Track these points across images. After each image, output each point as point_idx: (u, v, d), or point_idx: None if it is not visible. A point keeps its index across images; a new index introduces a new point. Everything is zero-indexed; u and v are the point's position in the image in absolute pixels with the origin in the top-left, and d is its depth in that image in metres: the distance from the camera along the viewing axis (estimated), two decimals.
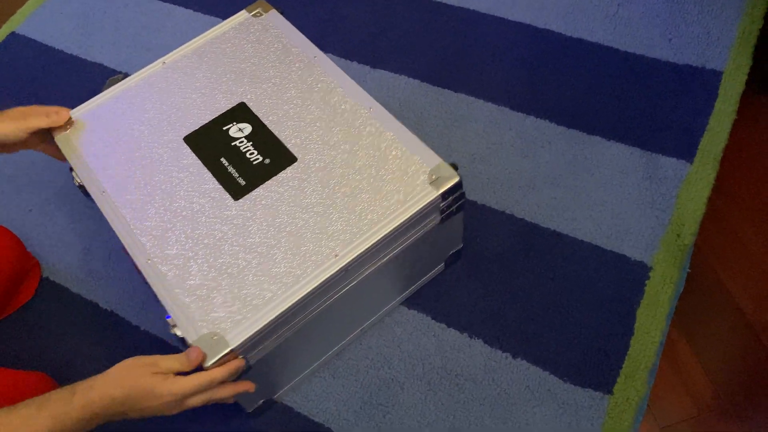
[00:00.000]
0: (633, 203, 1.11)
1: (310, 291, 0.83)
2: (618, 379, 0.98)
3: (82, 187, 0.99)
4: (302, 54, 1.05)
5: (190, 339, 0.81)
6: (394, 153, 0.92)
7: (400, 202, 0.88)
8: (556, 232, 1.10)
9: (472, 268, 1.09)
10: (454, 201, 0.92)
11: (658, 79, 1.24)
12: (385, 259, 0.90)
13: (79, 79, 1.44)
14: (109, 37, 1.50)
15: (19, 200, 1.30)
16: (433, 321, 1.05)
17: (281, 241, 0.87)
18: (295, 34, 1.09)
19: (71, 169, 0.99)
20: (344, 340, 1.04)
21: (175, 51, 1.09)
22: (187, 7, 1.52)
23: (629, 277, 1.05)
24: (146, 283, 0.87)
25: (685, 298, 1.04)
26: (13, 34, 1.55)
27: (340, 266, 0.84)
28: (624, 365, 0.99)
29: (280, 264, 0.85)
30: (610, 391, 0.97)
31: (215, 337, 0.80)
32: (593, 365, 0.99)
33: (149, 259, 0.88)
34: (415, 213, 0.87)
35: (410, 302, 1.07)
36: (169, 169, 0.95)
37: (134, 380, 0.75)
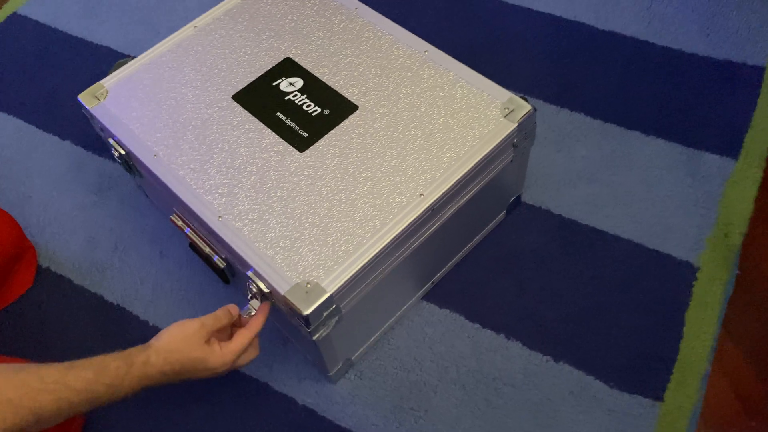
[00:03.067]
0: (675, 201, 1.08)
1: (400, 232, 0.80)
2: (669, 386, 0.92)
3: (124, 158, 0.94)
4: (342, 7, 1.03)
5: (282, 290, 0.76)
6: (460, 92, 0.91)
7: (476, 138, 0.86)
8: (595, 229, 1.05)
9: (507, 265, 1.03)
10: (527, 134, 0.91)
11: (697, 75, 1.21)
12: (464, 199, 0.88)
13: (85, 62, 1.35)
14: (117, 19, 1.42)
15: (18, 185, 1.18)
16: (467, 321, 0.98)
17: (358, 187, 0.83)
18: None
19: (109, 141, 0.94)
20: (419, 291, 0.99)
21: (205, 14, 1.04)
22: None
23: (675, 277, 1.00)
24: (213, 246, 0.83)
25: (734, 301, 1.00)
26: (14, 14, 1.46)
27: (427, 205, 0.81)
28: (674, 371, 0.93)
29: (362, 209, 0.82)
30: (660, 398, 0.91)
31: (308, 285, 0.75)
32: (641, 370, 0.93)
33: (220, 217, 0.83)
34: (494, 147, 0.86)
35: (442, 300, 1.00)
36: (223, 127, 0.91)
37: (187, 353, 0.76)
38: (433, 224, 0.85)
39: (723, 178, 1.08)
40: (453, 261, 1.01)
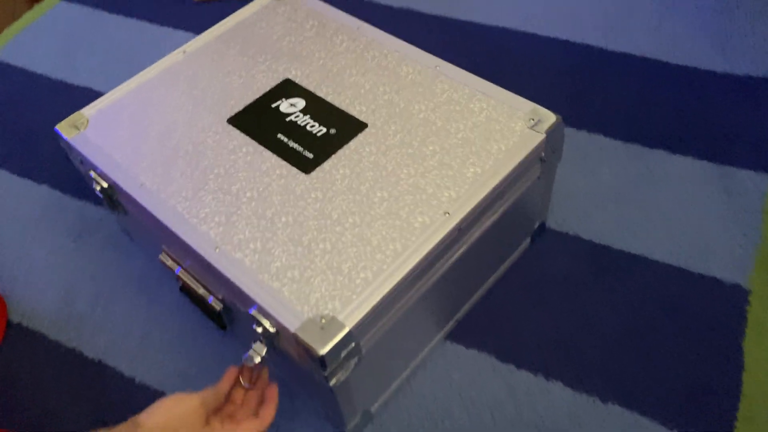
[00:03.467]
0: (713, 219, 1.00)
1: (425, 254, 0.70)
2: (737, 424, 0.82)
3: (106, 193, 0.84)
4: (344, 26, 0.96)
5: (292, 327, 0.64)
6: (478, 105, 0.84)
7: (501, 151, 0.78)
8: (630, 253, 0.97)
9: (537, 296, 0.94)
10: (555, 147, 0.84)
11: (717, 91, 1.17)
12: (491, 219, 0.79)
13: (63, 104, 1.26)
14: (98, 61, 1.35)
15: None
16: (499, 361, 0.88)
17: (374, 208, 0.74)
18: (330, 9, 1.00)
19: (90, 175, 0.84)
20: (442, 330, 0.89)
21: (194, 40, 0.97)
22: (186, 30, 1.39)
23: (725, 302, 0.92)
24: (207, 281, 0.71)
25: None
26: None
27: (453, 224, 0.72)
28: (741, 407, 0.83)
29: (380, 231, 0.72)
30: None
31: (323, 320, 0.64)
32: (702, 407, 0.83)
33: (217, 248, 0.72)
34: (523, 159, 0.78)
35: (468, 340, 0.90)
36: (218, 152, 0.82)
37: None
38: (460, 246, 0.76)
39: (761, 193, 1.01)
40: (477, 294, 0.91)
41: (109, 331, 0.95)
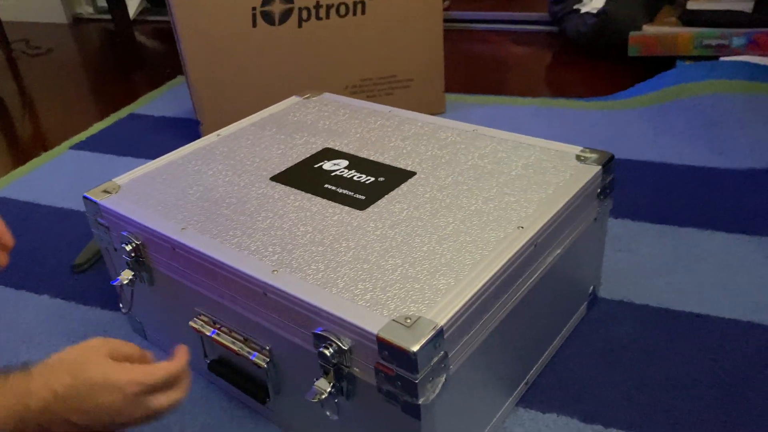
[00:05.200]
0: (766, 280, 0.98)
1: (504, 264, 0.64)
2: None
3: (137, 254, 0.78)
4: (376, 111, 0.99)
5: (374, 330, 0.56)
6: (525, 152, 0.85)
7: (560, 182, 0.77)
8: (694, 313, 0.93)
9: (609, 359, 0.87)
10: (609, 184, 0.83)
11: (725, 182, 1.22)
12: (562, 246, 0.76)
13: (71, 227, 1.21)
14: None
15: None
16: (584, 423, 0.78)
17: (440, 230, 0.70)
18: (359, 101, 1.03)
19: (118, 236, 0.79)
20: (513, 393, 0.79)
21: (227, 127, 0.98)
22: None
23: None
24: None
25: None
26: None
27: (529, 237, 0.68)
28: None
29: (452, 247, 0.67)
30: None
31: (408, 320, 0.57)
32: None
33: (275, 270, 0.65)
34: (584, 186, 0.76)
35: (544, 404, 0.81)
36: (263, 201, 0.78)
37: (83, 366, 0.55)
38: (536, 268, 0.71)
39: None
40: (543, 357, 0.83)
41: None
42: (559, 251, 0.74)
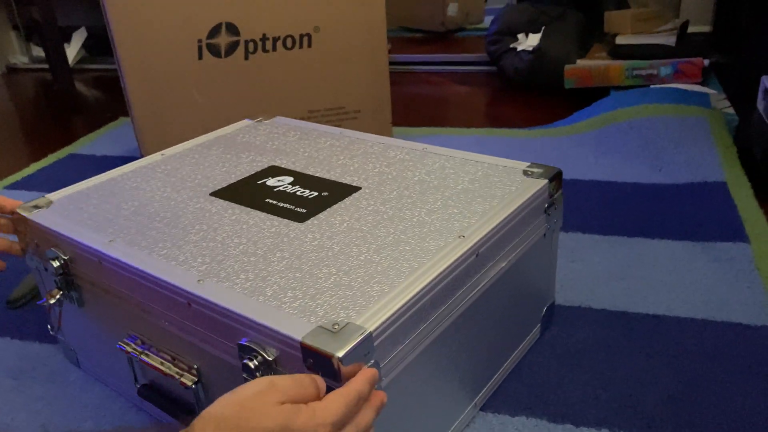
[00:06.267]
0: (714, 281, 1.00)
1: (442, 270, 0.61)
2: None
3: (64, 270, 0.74)
4: (326, 132, 0.97)
5: (298, 335, 0.52)
6: (473, 167, 0.83)
7: (505, 195, 0.75)
8: (649, 314, 0.94)
9: (573, 361, 0.86)
10: (556, 202, 0.82)
11: (667, 196, 1.26)
12: (507, 260, 0.73)
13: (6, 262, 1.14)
14: None
15: None
16: (553, 423, 0.76)
17: (380, 240, 0.67)
18: (312, 124, 1.02)
19: (46, 253, 0.74)
20: (475, 396, 0.76)
21: (172, 147, 0.95)
22: None
23: (763, 343, 0.87)
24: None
25: None
26: None
27: (469, 246, 0.65)
28: None
29: (389, 256, 0.64)
30: None
31: (337, 326, 0.53)
32: None
33: (200, 280, 0.61)
34: (528, 198, 0.75)
35: (512, 408, 0.79)
36: (199, 215, 0.74)
37: (257, 418, 0.46)
38: (479, 280, 0.68)
39: (748, 258, 1.05)
40: (506, 364, 0.81)
41: None
42: (504, 264, 0.71)
